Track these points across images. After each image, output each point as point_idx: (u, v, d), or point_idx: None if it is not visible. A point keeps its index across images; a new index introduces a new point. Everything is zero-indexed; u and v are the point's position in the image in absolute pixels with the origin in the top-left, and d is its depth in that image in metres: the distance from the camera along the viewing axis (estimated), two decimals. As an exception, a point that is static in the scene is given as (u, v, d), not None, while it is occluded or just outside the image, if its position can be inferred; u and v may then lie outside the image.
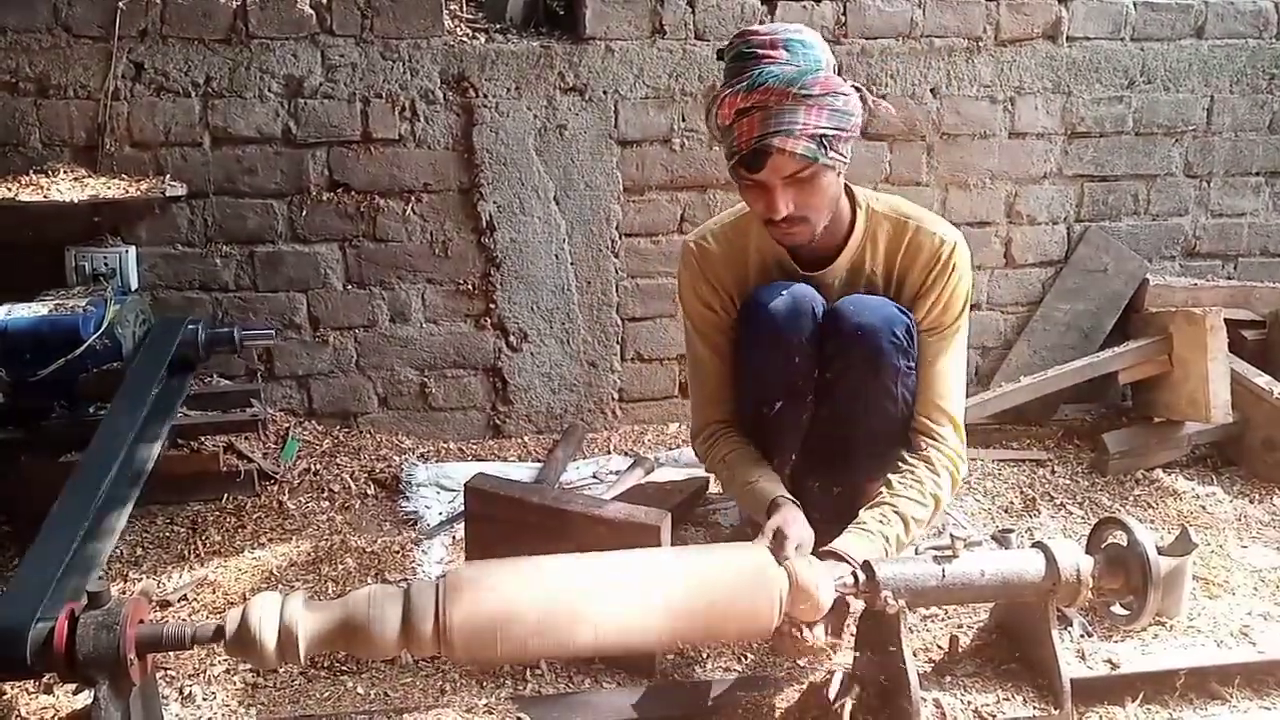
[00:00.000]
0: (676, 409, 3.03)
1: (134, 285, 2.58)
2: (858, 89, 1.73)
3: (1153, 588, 1.56)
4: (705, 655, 1.81)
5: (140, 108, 2.59)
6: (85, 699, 1.54)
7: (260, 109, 2.65)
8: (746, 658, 1.81)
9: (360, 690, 1.70)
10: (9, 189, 2.40)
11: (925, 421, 1.89)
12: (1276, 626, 1.88)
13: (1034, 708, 1.58)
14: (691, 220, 2.88)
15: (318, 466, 2.63)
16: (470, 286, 2.85)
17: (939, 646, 1.78)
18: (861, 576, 1.53)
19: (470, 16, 2.86)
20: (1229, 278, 3.22)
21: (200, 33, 2.58)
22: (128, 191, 2.48)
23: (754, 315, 1.86)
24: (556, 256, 2.86)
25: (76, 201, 2.40)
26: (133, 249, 2.60)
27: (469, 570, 1.47)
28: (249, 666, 1.74)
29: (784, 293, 1.84)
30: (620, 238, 2.89)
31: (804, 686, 1.67)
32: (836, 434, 1.92)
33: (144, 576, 2.11)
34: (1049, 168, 3.04)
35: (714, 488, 2.47)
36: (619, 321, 2.95)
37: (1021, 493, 2.57)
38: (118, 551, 2.18)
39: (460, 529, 2.20)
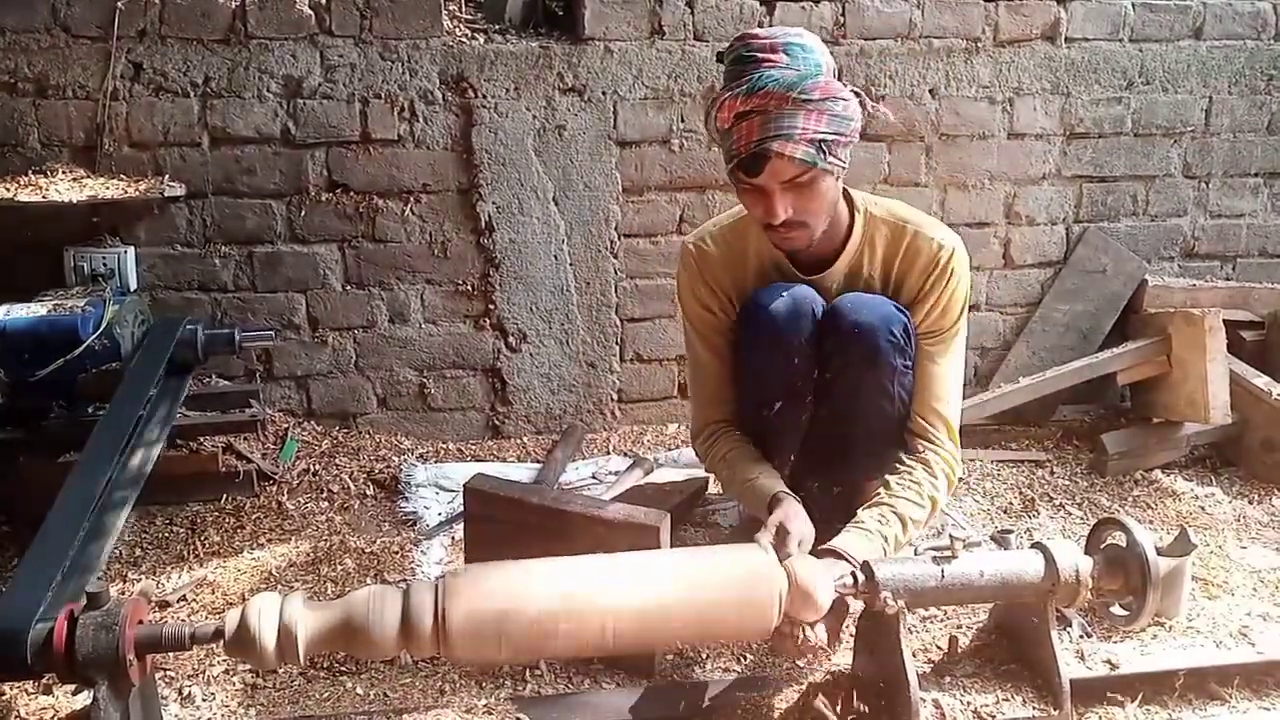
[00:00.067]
0: (676, 409, 3.03)
1: (133, 285, 2.57)
2: (857, 93, 1.73)
3: (1152, 588, 1.56)
4: (704, 656, 1.81)
5: (139, 108, 2.59)
6: (84, 699, 1.54)
7: (259, 109, 2.64)
8: (746, 658, 1.81)
9: (360, 691, 1.70)
10: (8, 189, 2.40)
11: (922, 424, 1.89)
12: (1275, 627, 1.88)
13: (1033, 708, 1.58)
14: (690, 221, 2.88)
15: (317, 467, 2.63)
16: (469, 287, 2.85)
17: (938, 647, 1.78)
18: (861, 577, 1.53)
19: (469, 17, 2.86)
20: (1228, 278, 3.22)
21: (199, 33, 2.58)
22: (126, 192, 2.47)
23: (754, 316, 1.87)
24: (555, 257, 2.86)
25: (75, 202, 2.40)
26: (131, 249, 2.60)
27: (468, 571, 1.47)
28: (248, 667, 1.74)
29: (784, 294, 1.85)
30: (619, 238, 2.89)
31: (803, 687, 1.67)
32: (835, 433, 1.93)
33: (143, 577, 2.11)
34: (1048, 168, 3.05)
35: (713, 488, 2.47)
36: (618, 322, 2.95)
37: (1020, 493, 2.58)
38: (117, 552, 2.18)
39: (459, 529, 2.20)
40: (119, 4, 2.51)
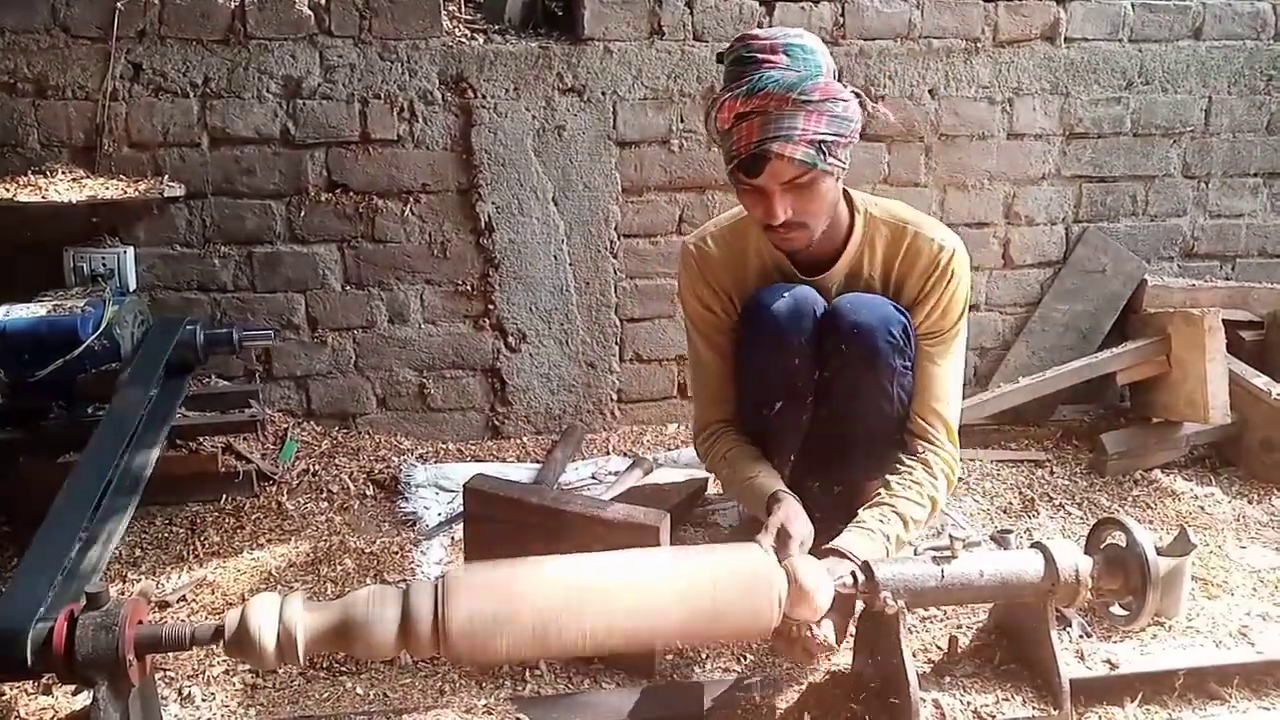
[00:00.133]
0: (675, 410, 3.03)
1: (132, 286, 2.57)
2: (857, 94, 1.73)
3: (1151, 588, 1.56)
4: (704, 656, 1.82)
5: (138, 108, 2.59)
6: (84, 700, 1.54)
7: (259, 109, 2.64)
8: (746, 658, 1.81)
9: (359, 691, 1.70)
10: (7, 190, 2.40)
11: (921, 424, 1.89)
12: (1275, 627, 1.88)
13: (1033, 708, 1.58)
14: (690, 221, 2.88)
15: (316, 467, 2.63)
16: (469, 287, 2.85)
17: (938, 647, 1.78)
18: (860, 577, 1.53)
19: (469, 17, 2.86)
20: (1227, 278, 3.22)
21: (198, 33, 2.58)
22: (126, 192, 2.47)
23: (756, 316, 1.87)
24: (555, 257, 2.86)
25: (75, 202, 2.40)
26: (131, 249, 2.60)
27: (468, 571, 1.47)
28: (248, 667, 1.74)
29: (786, 294, 1.85)
30: (619, 238, 2.89)
31: (803, 687, 1.67)
32: (834, 433, 1.93)
33: (143, 577, 2.11)
34: (1047, 169, 3.05)
35: (713, 488, 2.47)
36: (618, 322, 2.95)
37: (1020, 493, 2.58)
38: (117, 552, 2.17)
39: (459, 530, 2.20)
40: (118, 4, 2.51)
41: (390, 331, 2.85)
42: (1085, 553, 1.63)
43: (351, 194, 2.73)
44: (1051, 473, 2.72)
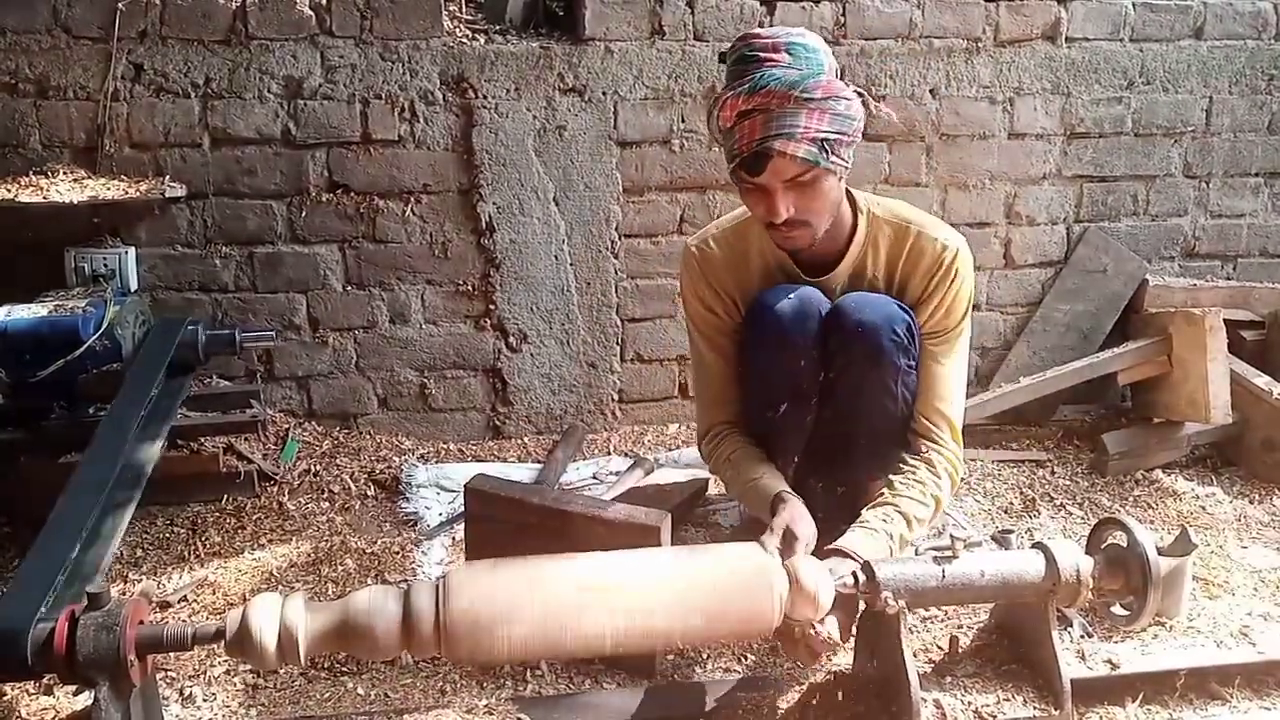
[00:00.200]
0: (676, 410, 3.03)
1: (133, 286, 2.58)
2: (859, 93, 1.73)
3: (1153, 588, 1.56)
4: (705, 656, 1.81)
5: (140, 109, 2.59)
6: (85, 700, 1.54)
7: (260, 110, 2.65)
8: (747, 658, 1.81)
9: (360, 691, 1.70)
10: (9, 190, 2.40)
11: (925, 423, 1.89)
12: (1276, 627, 1.88)
13: (1034, 708, 1.58)
14: (691, 221, 2.88)
15: (318, 467, 2.63)
16: (470, 287, 2.85)
17: (939, 647, 1.78)
18: (862, 577, 1.53)
19: (469, 17, 2.86)
20: (1228, 278, 3.22)
21: (200, 34, 2.58)
22: (127, 193, 2.47)
23: (760, 317, 1.87)
24: (556, 257, 2.86)
25: (76, 202, 2.40)
26: (132, 250, 2.60)
27: (469, 571, 1.47)
28: (249, 667, 1.74)
29: (790, 295, 1.85)
30: (620, 239, 2.89)
31: (804, 687, 1.67)
32: (838, 432, 1.93)
33: (144, 577, 2.11)
34: (1048, 168, 3.05)
35: (714, 489, 2.47)
36: (618, 322, 2.95)
37: (1021, 493, 2.58)
38: (118, 553, 2.17)
39: (460, 530, 2.20)
40: (120, 5, 2.51)
41: (391, 332, 2.85)
42: (1086, 553, 1.63)
43: (353, 194, 2.73)
44: (1053, 473, 2.72)
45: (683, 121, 2.83)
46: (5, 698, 1.65)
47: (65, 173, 2.51)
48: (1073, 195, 3.09)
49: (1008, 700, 1.60)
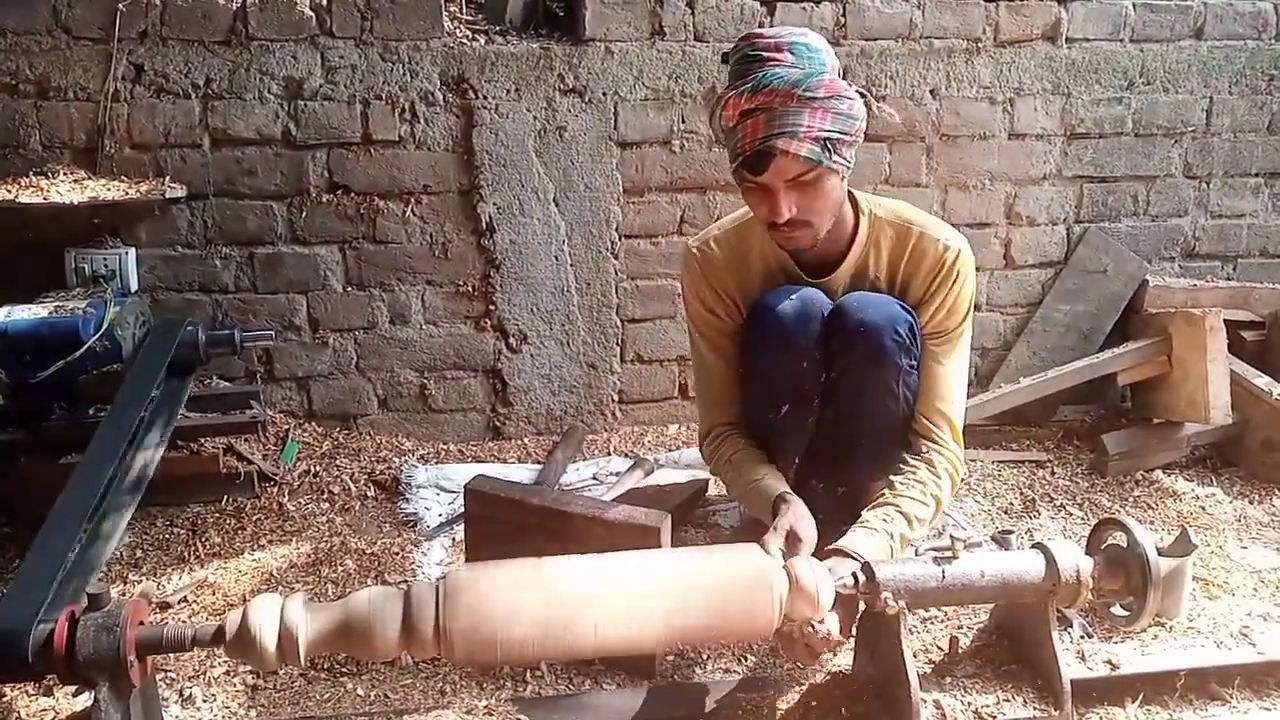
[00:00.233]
0: (676, 410, 3.03)
1: (134, 287, 2.58)
2: (862, 94, 1.73)
3: (1152, 589, 1.56)
4: (705, 657, 1.81)
5: (140, 109, 2.60)
6: (85, 701, 1.54)
7: (260, 110, 2.65)
8: (747, 659, 1.81)
9: (360, 692, 1.70)
10: (9, 191, 2.40)
11: (926, 424, 1.89)
12: (1276, 627, 1.88)
13: (1034, 709, 1.58)
14: (691, 221, 2.88)
15: (318, 468, 2.63)
16: (470, 288, 2.85)
17: (939, 647, 1.78)
18: (862, 578, 1.53)
19: (470, 18, 2.87)
20: (1228, 279, 3.22)
21: (200, 34, 2.58)
22: (127, 193, 2.48)
23: (762, 319, 1.86)
24: (556, 258, 2.86)
25: (76, 203, 2.40)
26: (132, 251, 2.60)
27: (469, 572, 1.47)
28: (249, 668, 1.74)
29: (792, 297, 1.84)
30: (620, 239, 2.89)
31: (804, 688, 1.67)
32: (839, 433, 1.93)
33: (144, 578, 2.11)
34: (1048, 169, 3.05)
35: (714, 489, 2.47)
36: (619, 323, 2.95)
37: (1021, 494, 2.57)
38: (117, 553, 2.18)
39: (460, 530, 2.20)
40: (120, 6, 2.51)
41: (391, 332, 2.85)
42: (1086, 553, 1.63)
43: (353, 195, 2.74)
44: (1053, 473, 2.72)
45: (683, 122, 2.83)
46: (5, 698, 1.65)
47: (65, 173, 2.51)
48: (1073, 195, 3.09)
49: (1008, 701, 1.60)
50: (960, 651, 1.72)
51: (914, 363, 1.86)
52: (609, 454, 2.84)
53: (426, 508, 2.45)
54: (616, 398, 3.00)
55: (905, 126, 2.92)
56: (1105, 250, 3.09)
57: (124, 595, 2.03)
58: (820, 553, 1.63)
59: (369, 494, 2.57)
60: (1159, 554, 1.57)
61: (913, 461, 1.86)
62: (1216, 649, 1.79)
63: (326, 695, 1.70)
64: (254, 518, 2.39)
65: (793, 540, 1.62)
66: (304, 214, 2.72)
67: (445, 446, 2.89)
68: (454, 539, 2.29)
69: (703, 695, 1.66)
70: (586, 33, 2.74)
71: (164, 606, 1.98)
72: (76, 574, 1.63)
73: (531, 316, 2.89)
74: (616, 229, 2.88)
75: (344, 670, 1.76)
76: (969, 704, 1.60)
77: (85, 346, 2.19)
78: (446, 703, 1.66)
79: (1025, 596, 1.59)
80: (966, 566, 1.55)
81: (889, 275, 1.91)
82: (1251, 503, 2.55)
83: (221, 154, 2.66)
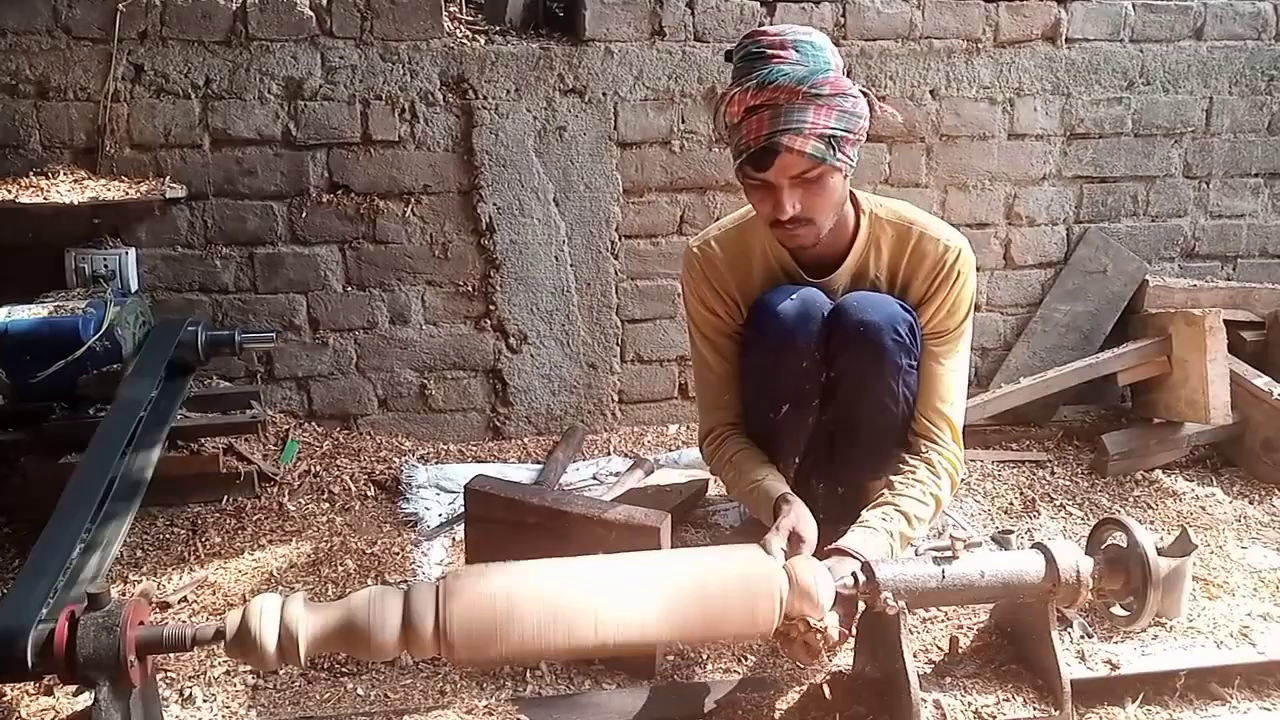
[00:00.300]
0: (676, 410, 3.03)
1: (134, 287, 2.58)
2: (864, 93, 1.73)
3: (1153, 589, 1.56)
4: (706, 657, 1.81)
5: (140, 109, 2.60)
6: (85, 701, 1.54)
7: (260, 111, 2.65)
8: (747, 659, 1.81)
9: (360, 692, 1.70)
10: (9, 191, 2.41)
11: (925, 424, 1.90)
12: (1276, 627, 1.87)
13: (1034, 709, 1.58)
14: (691, 222, 2.88)
15: (318, 468, 2.63)
16: (470, 288, 2.85)
17: (939, 647, 1.78)
18: (862, 578, 1.53)
19: (469, 18, 2.87)
20: (1228, 279, 3.22)
21: (200, 34, 2.58)
22: (128, 193, 2.48)
23: (762, 318, 1.86)
24: (556, 258, 2.86)
25: (76, 203, 2.41)
26: (132, 251, 2.60)
27: (469, 572, 1.47)
28: (249, 668, 1.74)
29: (793, 297, 1.84)
30: (620, 239, 2.89)
31: (805, 688, 1.67)
32: (840, 432, 1.93)
33: (144, 578, 2.11)
34: (1048, 169, 3.05)
35: (714, 489, 2.47)
36: (619, 323, 2.95)
37: (1021, 494, 2.57)
38: (118, 553, 2.17)
39: (460, 530, 2.20)
40: (120, 6, 2.51)
41: (391, 332, 2.85)
42: (1086, 553, 1.63)
43: (353, 195, 2.74)
44: (1052, 473, 2.72)
45: (683, 122, 2.83)
46: (5, 698, 1.65)
47: (66, 173, 2.51)
48: (1073, 196, 3.09)
49: (1008, 701, 1.60)
50: (960, 651, 1.72)
51: (914, 362, 1.86)
52: (609, 454, 2.84)
53: (426, 508, 2.45)
54: (616, 398, 3.00)
55: (905, 126, 2.92)
56: (1105, 250, 3.09)
57: (124, 595, 2.03)
58: (820, 552, 1.63)
59: (369, 494, 2.57)
60: (1159, 554, 1.57)
61: (912, 461, 1.87)
62: (1217, 649, 1.79)
63: (326, 695, 1.70)
64: (254, 518, 2.39)
65: (794, 541, 1.62)
66: (304, 214, 2.72)
67: (445, 446, 2.89)
68: (454, 539, 2.29)
69: (703, 695, 1.66)
70: (586, 33, 2.74)
71: (164, 606, 1.98)
72: (77, 574, 1.63)
73: (531, 316, 2.89)
74: (616, 229, 2.88)
75: (344, 670, 1.76)
76: (969, 704, 1.60)
77: (85, 346, 2.19)
78: (446, 703, 1.66)
79: (1025, 596, 1.59)
80: (966, 566, 1.55)
81: (889, 275, 1.91)
82: (1251, 503, 2.55)
83: (221, 154, 2.66)
